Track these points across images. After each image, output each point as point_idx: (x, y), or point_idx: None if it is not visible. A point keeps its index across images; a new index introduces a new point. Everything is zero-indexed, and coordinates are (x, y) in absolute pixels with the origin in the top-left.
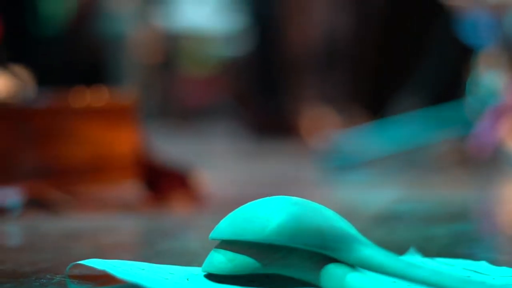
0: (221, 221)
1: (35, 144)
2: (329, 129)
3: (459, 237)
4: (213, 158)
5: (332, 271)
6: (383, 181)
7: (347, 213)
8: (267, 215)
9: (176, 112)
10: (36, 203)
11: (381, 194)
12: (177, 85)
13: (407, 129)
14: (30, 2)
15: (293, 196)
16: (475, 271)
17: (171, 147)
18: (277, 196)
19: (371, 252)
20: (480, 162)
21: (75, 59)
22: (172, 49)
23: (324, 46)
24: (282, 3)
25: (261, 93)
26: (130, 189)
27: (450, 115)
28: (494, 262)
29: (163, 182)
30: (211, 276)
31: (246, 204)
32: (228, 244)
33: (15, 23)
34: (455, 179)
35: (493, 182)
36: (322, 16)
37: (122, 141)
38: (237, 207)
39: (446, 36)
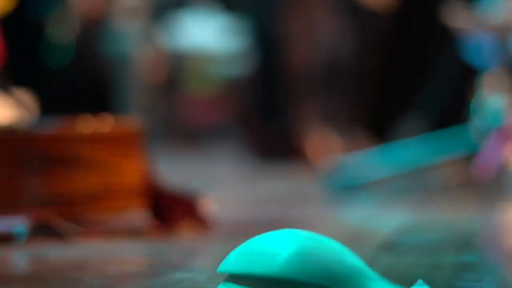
0: (230, 254)
1: (41, 170)
2: (333, 152)
3: (465, 267)
4: (218, 181)
5: None
6: (389, 204)
7: (354, 240)
8: (276, 249)
9: (180, 132)
10: (43, 231)
11: (387, 218)
12: (181, 105)
13: (411, 152)
14: (41, 29)
15: (299, 219)
16: None
17: (175, 170)
18: (285, 230)
19: (379, 286)
20: (485, 184)
21: (80, 81)
22: (177, 69)
23: (326, 67)
24: (285, 25)
25: (264, 114)
26: (137, 216)
27: (454, 139)
28: None
29: (170, 209)
30: None
31: (255, 238)
32: (236, 278)
33: (26, 49)
34: (460, 202)
35: (498, 207)
36: (325, 38)
37: (129, 168)
38: (245, 233)
39: (450, 58)
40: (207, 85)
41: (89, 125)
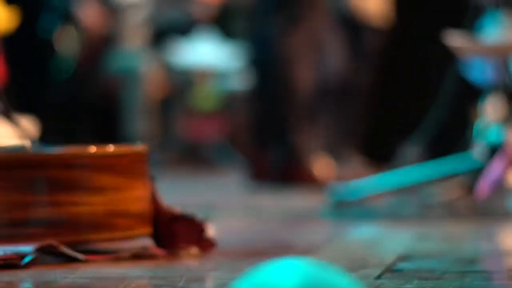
0: (234, 287)
1: (47, 195)
2: (331, 177)
3: None
4: (218, 202)
5: None
6: (392, 224)
7: (357, 265)
8: (280, 281)
9: (182, 147)
10: (49, 255)
11: (390, 240)
12: (184, 120)
13: (412, 173)
14: (49, 45)
15: (303, 242)
16: None
17: (176, 190)
18: (289, 260)
19: None
20: (486, 203)
21: (86, 96)
22: (181, 85)
23: (325, 87)
24: (287, 43)
25: (261, 137)
26: (142, 240)
27: (456, 160)
28: None
29: (174, 233)
30: None
31: (259, 269)
32: None
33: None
34: (462, 223)
35: (499, 227)
36: (328, 57)
37: (134, 193)
38: (249, 257)
39: (452, 79)
40: (209, 101)
41: (94, 150)
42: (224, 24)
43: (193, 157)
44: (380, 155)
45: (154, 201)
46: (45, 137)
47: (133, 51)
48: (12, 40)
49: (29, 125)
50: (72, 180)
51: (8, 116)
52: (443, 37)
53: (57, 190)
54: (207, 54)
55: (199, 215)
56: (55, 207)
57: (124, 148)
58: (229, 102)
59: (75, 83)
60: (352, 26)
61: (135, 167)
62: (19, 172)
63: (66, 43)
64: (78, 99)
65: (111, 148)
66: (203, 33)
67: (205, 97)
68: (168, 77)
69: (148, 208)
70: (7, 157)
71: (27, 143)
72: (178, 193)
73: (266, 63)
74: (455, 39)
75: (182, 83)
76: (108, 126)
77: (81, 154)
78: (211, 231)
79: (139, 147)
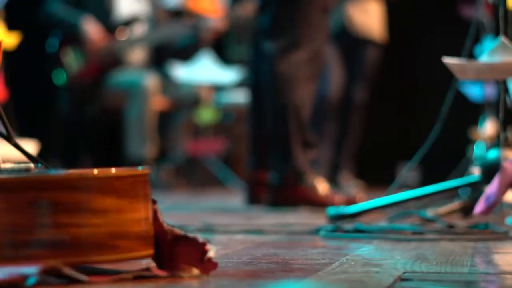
0: None
1: (49, 217)
2: (330, 197)
3: None
4: (217, 220)
5: None
6: (392, 244)
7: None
8: None
9: (183, 162)
10: (51, 278)
11: (390, 261)
12: (185, 136)
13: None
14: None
15: (304, 263)
16: None
17: (175, 208)
18: (289, 284)
19: None
20: (485, 220)
21: (89, 112)
22: (183, 100)
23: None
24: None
25: (259, 157)
26: (144, 262)
27: (455, 182)
28: None
29: (176, 254)
30: None
31: None
32: None
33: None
34: (461, 244)
35: (498, 249)
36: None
37: (137, 213)
38: (249, 278)
39: (451, 100)
40: (212, 117)
41: (97, 172)
42: (223, 49)
43: (194, 172)
44: (377, 177)
45: (156, 222)
46: (47, 155)
47: (135, 67)
48: (17, 56)
49: (30, 145)
50: (75, 202)
51: (9, 137)
52: (442, 58)
53: (60, 211)
54: (209, 70)
55: (200, 236)
56: (58, 228)
57: (126, 170)
58: (231, 118)
59: (78, 98)
60: (348, 40)
61: (137, 189)
62: (22, 194)
63: (70, 59)
64: (81, 114)
65: (113, 170)
66: (205, 52)
67: (207, 113)
68: (170, 92)
69: (150, 229)
70: (10, 179)
71: (30, 165)
72: (176, 212)
73: (266, 81)
74: (453, 61)
75: (184, 98)
76: (110, 141)
77: (84, 176)
78: (212, 252)
79: (141, 169)
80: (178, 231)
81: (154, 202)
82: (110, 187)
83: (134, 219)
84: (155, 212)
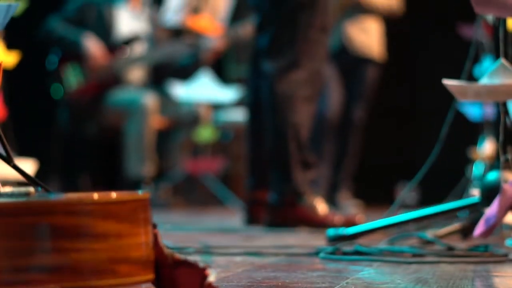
0: None
1: (48, 241)
2: (329, 218)
3: None
4: (216, 241)
5: None
6: (391, 268)
7: None
8: None
9: (182, 181)
10: None
11: (389, 285)
12: (184, 152)
13: (410, 217)
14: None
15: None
16: None
17: (174, 228)
18: None
19: None
20: (484, 242)
21: (88, 126)
22: (182, 117)
23: (322, 128)
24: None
25: (258, 176)
26: (145, 286)
27: (455, 204)
28: None
29: (176, 279)
30: None
31: None
32: None
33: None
34: (461, 266)
35: (498, 271)
36: (323, 97)
37: (137, 238)
38: None
39: (450, 121)
40: (211, 135)
41: (97, 197)
42: (221, 67)
43: (192, 191)
44: (375, 197)
45: (156, 247)
46: (46, 173)
47: (135, 86)
48: (16, 74)
49: (28, 164)
50: (75, 227)
51: (8, 158)
52: (442, 80)
53: (60, 236)
54: (208, 89)
55: (200, 261)
56: (58, 253)
57: (126, 195)
58: (229, 136)
59: (77, 116)
60: (347, 59)
61: (138, 213)
62: (22, 218)
63: (69, 75)
64: (80, 132)
65: (114, 195)
66: (204, 70)
67: (206, 131)
68: (170, 111)
69: (150, 254)
70: (10, 203)
71: (29, 188)
72: (175, 232)
73: (265, 101)
74: (453, 83)
75: (183, 117)
76: (109, 160)
77: (85, 201)
78: (213, 277)
79: (141, 193)
80: (178, 255)
81: (154, 226)
82: (110, 212)
83: (134, 244)
84: (155, 237)
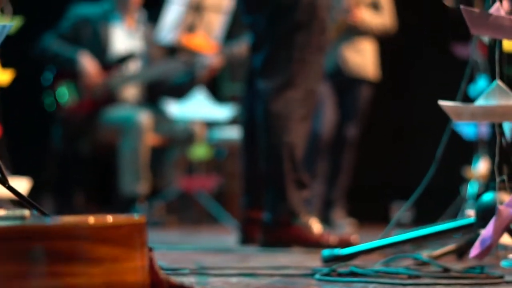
0: None
1: (43, 265)
2: (324, 238)
3: None
4: (210, 261)
5: None
6: None
7: None
8: None
9: (175, 197)
10: None
11: None
12: (178, 170)
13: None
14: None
15: None
16: None
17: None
18: None
19: None
20: (481, 263)
21: (82, 144)
22: (177, 135)
23: (316, 147)
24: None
25: (253, 196)
26: None
27: (450, 223)
28: None
29: None
30: None
31: None
32: None
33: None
34: (457, 287)
35: None
36: (317, 116)
37: (132, 262)
38: None
39: (446, 140)
40: (205, 153)
41: (93, 221)
42: (216, 85)
43: (186, 209)
44: (369, 215)
45: (152, 271)
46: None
47: (129, 104)
48: (10, 92)
49: (22, 183)
50: (71, 251)
51: (3, 180)
52: (437, 100)
53: (56, 260)
54: (203, 107)
55: (196, 285)
56: (54, 277)
57: (122, 219)
58: (224, 154)
59: (71, 133)
60: (342, 80)
61: (134, 237)
62: (17, 242)
63: (63, 92)
64: (74, 150)
65: (110, 219)
66: (198, 88)
67: (201, 149)
68: (164, 129)
69: (146, 278)
70: (5, 228)
71: (25, 212)
72: (169, 252)
73: (260, 120)
74: (448, 104)
75: (178, 135)
76: (103, 177)
77: (80, 225)
78: None
79: (137, 217)
80: (174, 280)
81: (150, 249)
82: (106, 236)
83: (130, 268)
84: (151, 261)
